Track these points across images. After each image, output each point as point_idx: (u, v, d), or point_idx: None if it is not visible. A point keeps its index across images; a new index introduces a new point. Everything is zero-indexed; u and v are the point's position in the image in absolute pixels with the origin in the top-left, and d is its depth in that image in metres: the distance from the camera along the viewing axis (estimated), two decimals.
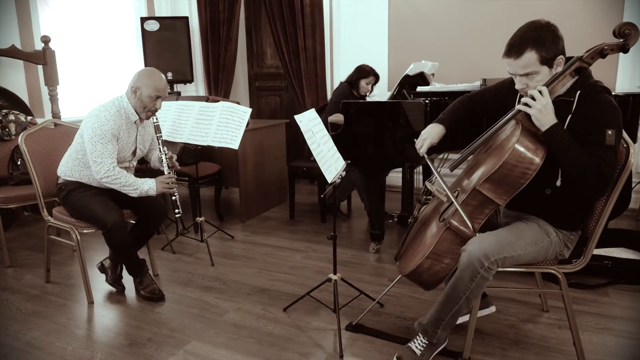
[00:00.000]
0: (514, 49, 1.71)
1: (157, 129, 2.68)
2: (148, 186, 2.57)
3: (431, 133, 2.10)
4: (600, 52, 1.73)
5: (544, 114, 1.68)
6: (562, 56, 1.71)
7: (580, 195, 1.81)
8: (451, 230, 1.88)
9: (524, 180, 1.74)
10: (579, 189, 1.74)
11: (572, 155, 1.66)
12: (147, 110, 2.58)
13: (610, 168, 1.67)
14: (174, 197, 2.63)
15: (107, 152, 2.49)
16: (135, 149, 2.70)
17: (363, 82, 3.97)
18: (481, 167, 1.86)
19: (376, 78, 4.04)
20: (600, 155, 1.65)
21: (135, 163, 2.77)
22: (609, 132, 1.64)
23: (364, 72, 3.97)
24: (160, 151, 2.68)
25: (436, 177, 2.01)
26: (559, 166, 1.75)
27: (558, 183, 1.78)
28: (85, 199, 2.58)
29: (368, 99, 4.14)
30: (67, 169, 2.65)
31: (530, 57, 1.68)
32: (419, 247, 1.99)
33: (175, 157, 2.75)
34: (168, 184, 2.60)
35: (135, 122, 2.63)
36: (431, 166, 2.01)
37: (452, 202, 1.88)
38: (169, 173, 2.66)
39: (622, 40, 1.73)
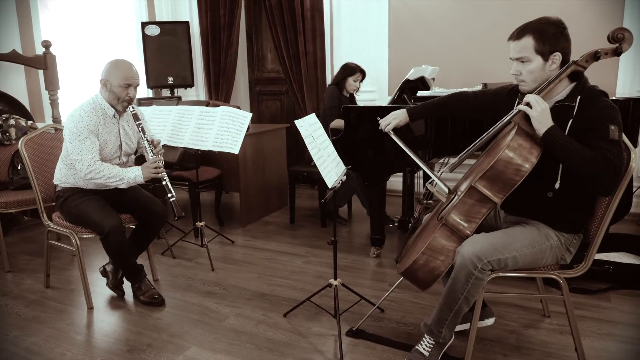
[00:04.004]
0: (516, 32, 1.81)
1: (135, 117, 2.61)
2: (134, 174, 2.53)
3: (400, 116, 2.26)
4: (594, 56, 1.78)
5: (543, 117, 1.71)
6: (559, 53, 1.76)
7: (594, 191, 1.77)
8: (447, 227, 1.89)
9: (518, 177, 1.75)
10: (590, 184, 1.69)
11: (574, 151, 1.65)
12: (121, 101, 2.56)
13: (617, 160, 1.65)
14: (164, 182, 2.55)
15: (86, 148, 2.48)
16: (121, 143, 2.66)
17: (350, 80, 3.93)
18: (478, 167, 1.89)
19: (362, 74, 4.00)
20: (605, 147, 1.64)
21: (126, 159, 2.74)
22: (612, 127, 1.66)
23: (350, 70, 3.93)
24: (142, 138, 2.62)
25: (436, 177, 2.02)
26: (565, 166, 1.74)
27: (557, 185, 1.79)
28: (82, 204, 2.57)
29: (356, 97, 4.15)
30: (61, 175, 2.65)
31: (527, 42, 1.77)
32: (417, 245, 2.00)
33: (158, 141, 2.66)
34: (155, 168, 2.55)
35: (114, 116, 2.62)
36: (399, 142, 2.07)
37: (450, 200, 1.89)
38: (154, 157, 2.58)
39: (615, 44, 1.79)
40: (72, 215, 2.62)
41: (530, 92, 1.83)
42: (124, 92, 2.54)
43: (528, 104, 1.73)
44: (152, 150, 2.59)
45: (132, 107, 2.61)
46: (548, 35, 1.74)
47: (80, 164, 2.48)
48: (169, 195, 2.54)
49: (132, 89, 2.57)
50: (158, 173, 2.54)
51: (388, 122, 2.27)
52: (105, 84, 2.55)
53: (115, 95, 2.55)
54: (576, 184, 1.79)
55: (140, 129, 2.60)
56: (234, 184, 4.13)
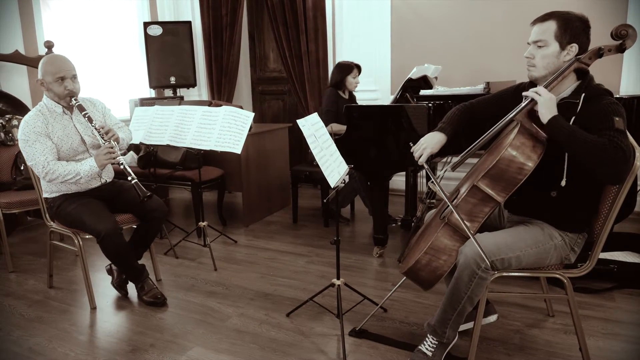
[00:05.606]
0: (542, 15, 1.81)
1: (80, 108, 2.54)
2: (89, 165, 2.48)
3: (432, 142, 2.06)
4: (597, 53, 1.78)
5: (549, 105, 1.70)
6: (576, 45, 1.75)
7: (604, 179, 1.73)
8: (449, 226, 1.88)
9: (521, 176, 1.74)
10: (599, 172, 1.63)
11: (580, 138, 1.61)
12: (64, 96, 2.53)
13: (625, 146, 1.59)
14: (121, 166, 2.46)
15: (37, 151, 2.45)
16: (82, 137, 2.62)
17: (349, 78, 3.87)
18: (481, 166, 1.88)
19: (359, 69, 3.95)
20: (611, 135, 1.60)
21: (95, 152, 2.64)
22: (616, 118, 1.64)
23: (347, 68, 3.87)
24: (91, 127, 2.54)
25: (438, 179, 2.01)
26: (571, 156, 1.71)
27: (563, 183, 1.77)
28: (74, 211, 2.55)
29: (356, 94, 4.12)
30: (45, 186, 2.65)
31: (550, 26, 1.77)
32: (420, 245, 2.00)
33: (109, 128, 2.55)
34: (106, 154, 2.46)
35: (64, 112, 2.59)
36: (431, 174, 1.98)
37: (452, 201, 1.88)
38: (105, 144, 2.50)
39: (619, 41, 1.78)
40: (68, 223, 2.62)
41: (537, 79, 1.83)
42: (61, 87, 2.51)
43: (536, 92, 1.73)
44: (102, 138, 2.51)
45: (75, 100, 2.56)
46: (572, 25, 1.74)
47: (35, 168, 2.47)
48: (129, 178, 2.45)
49: (69, 81, 2.52)
50: (113, 159, 2.48)
51: (420, 154, 2.04)
52: (42, 84, 2.53)
53: (54, 92, 2.53)
54: (582, 180, 1.78)
55: (87, 118, 2.53)
56: (236, 184, 4.13)
